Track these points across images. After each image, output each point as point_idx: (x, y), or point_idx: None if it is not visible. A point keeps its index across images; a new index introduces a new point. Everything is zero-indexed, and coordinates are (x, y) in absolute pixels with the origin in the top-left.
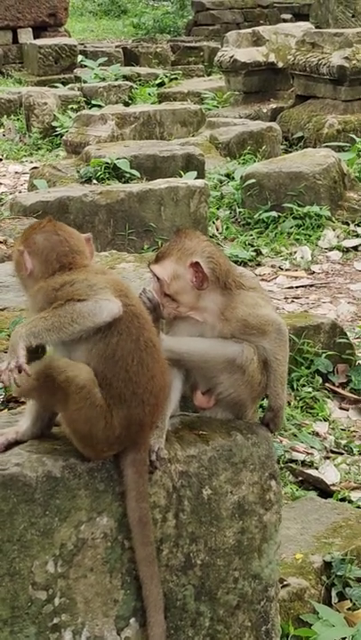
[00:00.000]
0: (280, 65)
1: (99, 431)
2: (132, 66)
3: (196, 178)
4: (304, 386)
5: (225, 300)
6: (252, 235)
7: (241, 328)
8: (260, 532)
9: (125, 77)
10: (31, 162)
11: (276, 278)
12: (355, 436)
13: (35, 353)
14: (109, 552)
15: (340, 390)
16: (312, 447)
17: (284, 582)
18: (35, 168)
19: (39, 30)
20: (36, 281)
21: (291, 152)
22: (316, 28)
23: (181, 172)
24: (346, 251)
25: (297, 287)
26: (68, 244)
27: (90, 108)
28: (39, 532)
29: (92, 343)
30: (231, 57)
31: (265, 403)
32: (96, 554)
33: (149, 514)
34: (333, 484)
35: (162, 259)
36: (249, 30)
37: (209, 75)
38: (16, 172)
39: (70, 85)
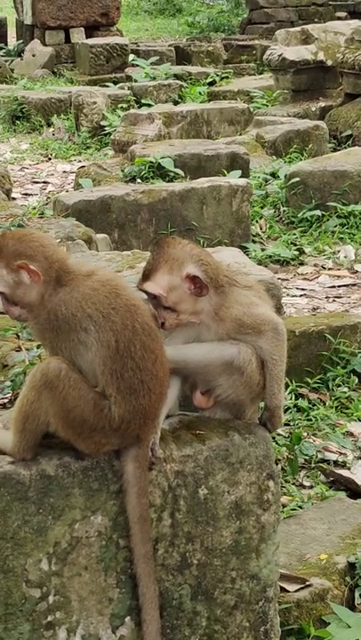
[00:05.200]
0: (329, 63)
1: (90, 415)
2: (185, 65)
3: (240, 177)
4: (339, 386)
5: (219, 299)
6: (295, 234)
7: (236, 328)
8: (257, 533)
9: (176, 76)
10: (79, 161)
11: (318, 277)
12: None
13: None
14: (104, 551)
15: None
16: (344, 447)
17: (307, 583)
18: (82, 167)
19: (91, 30)
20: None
21: (339, 151)
22: None
23: (225, 172)
24: None
25: (339, 286)
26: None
27: (139, 108)
28: (33, 530)
29: (92, 345)
30: (280, 55)
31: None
32: (90, 552)
33: (149, 510)
34: None
35: (152, 274)
36: (298, 28)
37: (261, 73)
38: (64, 172)
39: (121, 84)
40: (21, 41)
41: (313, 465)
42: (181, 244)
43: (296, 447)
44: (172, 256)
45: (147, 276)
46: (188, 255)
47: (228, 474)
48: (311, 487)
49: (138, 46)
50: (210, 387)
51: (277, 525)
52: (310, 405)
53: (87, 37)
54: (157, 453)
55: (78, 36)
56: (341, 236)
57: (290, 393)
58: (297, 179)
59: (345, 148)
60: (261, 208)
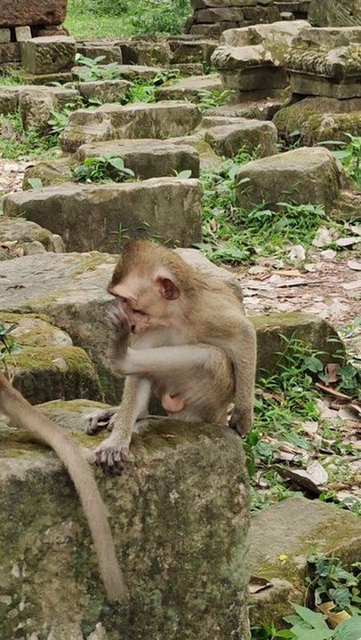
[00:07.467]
0: (277, 63)
1: None
2: (131, 64)
3: (190, 177)
4: (294, 385)
5: (189, 302)
6: (245, 234)
7: (206, 331)
8: (228, 536)
9: (123, 76)
10: (27, 160)
11: (269, 277)
12: (344, 436)
13: None
14: (75, 557)
15: (330, 390)
16: (300, 447)
17: (268, 584)
18: (30, 167)
19: (37, 28)
20: None
21: (287, 150)
22: (315, 25)
23: (175, 171)
24: (340, 250)
25: (290, 286)
26: None
27: (87, 107)
28: (3, 537)
29: None
30: (227, 55)
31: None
32: (61, 558)
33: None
34: (321, 485)
35: (122, 277)
36: (245, 29)
37: (207, 73)
38: (12, 171)
39: (68, 84)
40: None
41: (269, 465)
42: (151, 246)
43: (253, 448)
44: (142, 259)
45: (117, 279)
46: (158, 258)
47: (198, 477)
48: (268, 487)
49: (84, 45)
50: (180, 390)
51: (248, 528)
52: (265, 405)
53: (33, 36)
54: (128, 458)
55: (24, 34)
56: (292, 236)
57: None
58: (247, 179)
59: (293, 147)
60: (212, 208)
